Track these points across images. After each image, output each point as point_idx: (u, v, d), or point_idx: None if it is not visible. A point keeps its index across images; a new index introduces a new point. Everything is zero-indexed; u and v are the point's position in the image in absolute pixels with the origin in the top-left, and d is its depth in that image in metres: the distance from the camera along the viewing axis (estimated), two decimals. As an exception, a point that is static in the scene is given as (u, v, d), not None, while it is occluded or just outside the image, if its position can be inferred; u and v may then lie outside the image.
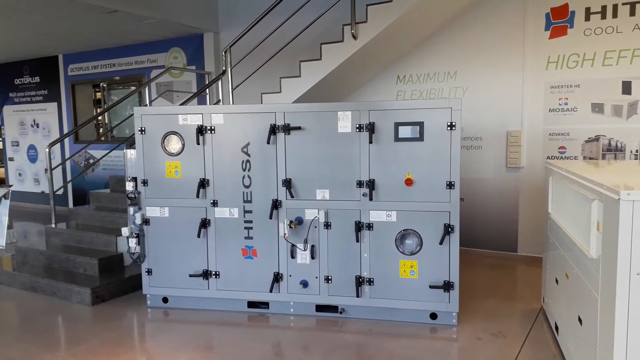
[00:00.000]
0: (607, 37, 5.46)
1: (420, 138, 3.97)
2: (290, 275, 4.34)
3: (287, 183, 4.22)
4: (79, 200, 10.23)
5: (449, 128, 3.92)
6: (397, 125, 4.00)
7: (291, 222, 4.20)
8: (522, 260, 5.98)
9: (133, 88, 9.30)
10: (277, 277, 4.34)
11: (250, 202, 4.35)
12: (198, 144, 4.36)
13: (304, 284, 4.29)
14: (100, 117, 10.14)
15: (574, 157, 5.75)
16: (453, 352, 3.65)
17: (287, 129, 4.19)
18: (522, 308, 4.48)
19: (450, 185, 3.95)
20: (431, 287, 4.05)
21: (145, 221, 4.56)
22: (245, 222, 4.38)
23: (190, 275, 4.50)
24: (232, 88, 6.58)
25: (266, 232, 4.34)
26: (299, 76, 6.13)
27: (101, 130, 10.08)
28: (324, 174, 4.18)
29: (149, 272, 4.61)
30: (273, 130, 4.21)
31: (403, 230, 4.08)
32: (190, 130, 4.38)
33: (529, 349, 3.65)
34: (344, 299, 4.26)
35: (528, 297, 4.74)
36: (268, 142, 4.23)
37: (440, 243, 3.99)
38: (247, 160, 4.32)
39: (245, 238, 4.40)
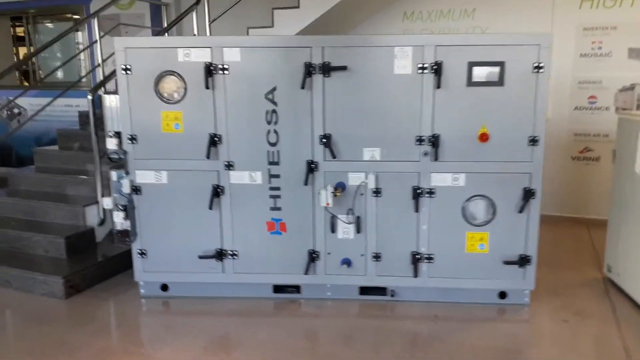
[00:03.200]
0: (654, -30, 4.86)
1: (500, 82, 3.19)
2: (329, 253, 3.51)
3: (327, 139, 3.32)
4: (3, 161, 8.61)
5: (535, 70, 3.16)
6: (472, 65, 3.18)
7: (335, 188, 3.34)
8: (555, 221, 5.38)
9: (65, 22, 7.77)
10: (313, 256, 3.50)
11: (277, 164, 3.42)
12: (207, 87, 3.31)
13: (347, 262, 3.49)
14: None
15: (605, 108, 5.23)
16: (548, 341, 3.04)
17: (327, 69, 3.24)
18: (582, 278, 3.96)
19: (533, 141, 3.24)
20: (506, 262, 3.39)
21: (136, 189, 3.51)
22: (271, 189, 3.46)
23: (201, 257, 3.55)
24: (209, 21, 5.43)
25: (298, 201, 3.46)
26: (297, 7, 5.09)
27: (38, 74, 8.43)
28: (374, 128, 3.31)
29: (143, 253, 3.61)
30: (308, 70, 3.24)
31: (473, 196, 3.34)
32: (194, 69, 3.32)
33: (630, 331, 3.12)
34: (395, 280, 3.52)
35: (582, 265, 4.22)
36: (302, 87, 3.27)
37: (520, 211, 3.30)
38: (274, 111, 3.35)
39: (272, 209, 3.48)
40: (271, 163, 3.42)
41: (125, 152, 3.46)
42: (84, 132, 5.60)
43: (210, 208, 3.45)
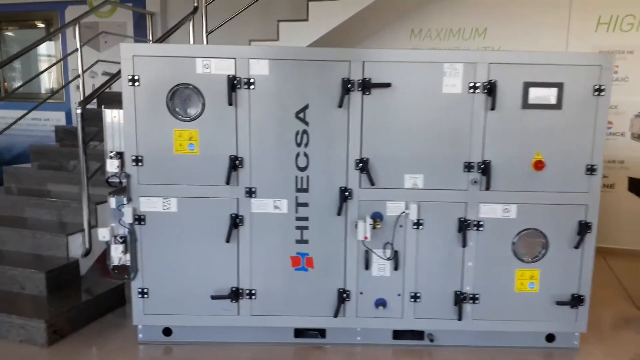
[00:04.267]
0: (672, -5, 4.77)
1: (558, 105, 2.90)
2: (361, 293, 3.10)
3: (363, 164, 2.94)
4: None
5: (596, 93, 2.88)
6: (527, 85, 2.88)
7: (375, 219, 2.95)
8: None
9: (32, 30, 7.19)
10: (343, 296, 3.08)
11: (306, 190, 3.00)
12: (230, 104, 2.88)
13: (383, 304, 3.09)
14: (-7, 67, 7.76)
15: (620, 134, 5.07)
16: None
17: (367, 86, 2.88)
18: (618, 315, 3.69)
19: (591, 170, 2.95)
20: (558, 303, 3.06)
21: (139, 218, 3.01)
22: (298, 219, 3.03)
23: (213, 297, 3.07)
24: (206, 32, 4.99)
25: (328, 233, 3.04)
26: (306, 19, 4.74)
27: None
28: (417, 152, 2.96)
29: (144, 293, 3.09)
30: (346, 87, 2.87)
31: (524, 229, 3.02)
32: (214, 82, 2.89)
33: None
34: (436, 323, 3.13)
35: (612, 299, 3.96)
36: (340, 105, 2.89)
37: (576, 247, 3.00)
38: (304, 131, 2.95)
39: (297, 242, 3.06)
40: (299, 190, 3.00)
41: (127, 176, 2.97)
42: (61, 148, 5.05)
43: (228, 241, 2.99)
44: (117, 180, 3.01)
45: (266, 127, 2.94)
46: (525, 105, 2.90)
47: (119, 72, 3.82)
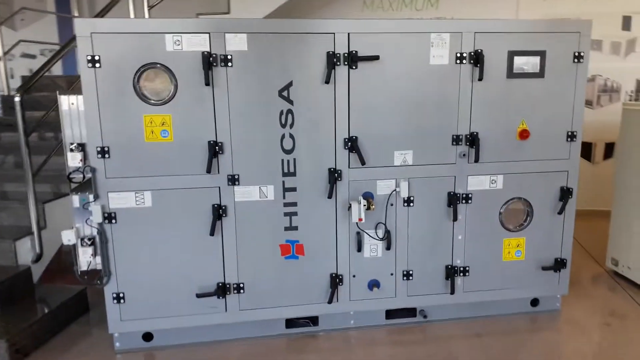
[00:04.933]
0: (612, -37, 4.96)
1: (540, 74, 2.90)
2: (353, 276, 3.00)
3: (353, 143, 2.80)
4: None
5: (575, 60, 2.91)
6: (512, 54, 2.85)
7: (369, 200, 2.83)
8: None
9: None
10: (337, 280, 2.96)
11: (293, 174, 2.82)
12: (207, 84, 2.62)
13: (376, 284, 3.01)
14: None
15: (566, 99, 5.27)
16: (611, 348, 2.82)
17: (354, 59, 2.72)
18: (589, 274, 3.87)
19: (571, 136, 3.01)
20: (544, 268, 3.14)
21: (108, 217, 2.70)
22: (286, 205, 2.85)
23: (199, 296, 2.84)
24: (148, 5, 4.58)
25: (318, 217, 2.90)
26: (259, -9, 4.47)
27: None
28: (406, 127, 2.86)
29: (120, 298, 2.80)
30: (332, 61, 2.70)
31: (510, 199, 3.04)
32: (187, 60, 2.61)
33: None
34: (428, 299, 3.11)
35: (578, 259, 4.14)
36: (327, 82, 2.72)
37: (560, 212, 3.06)
38: (289, 111, 2.75)
39: (286, 229, 2.88)
40: (286, 174, 2.81)
41: (93, 170, 2.64)
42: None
43: (212, 234, 2.76)
44: (81, 175, 2.66)
45: (247, 108, 2.71)
46: (510, 74, 2.87)
47: (60, 52, 3.41)
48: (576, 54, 2.90)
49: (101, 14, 4.19)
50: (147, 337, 2.94)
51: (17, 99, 3.13)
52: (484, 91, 2.87)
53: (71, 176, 2.67)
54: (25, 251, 3.37)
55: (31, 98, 4.09)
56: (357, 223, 2.85)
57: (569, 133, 3.00)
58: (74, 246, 2.74)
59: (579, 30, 2.88)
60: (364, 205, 2.79)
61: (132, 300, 2.82)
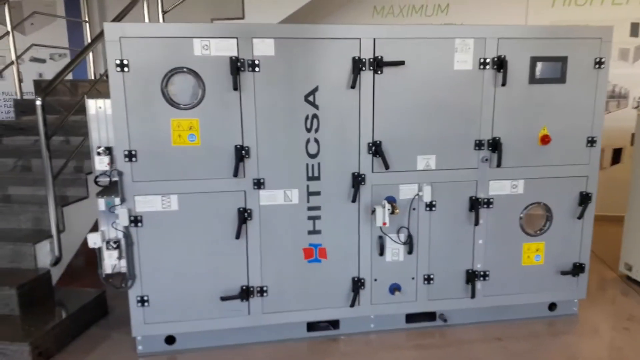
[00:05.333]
0: (620, -29, 5.03)
1: (562, 79, 2.94)
2: (375, 280, 3.02)
3: (377, 147, 2.83)
4: None
5: (597, 66, 2.95)
6: (535, 60, 2.89)
7: (393, 205, 2.85)
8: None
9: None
10: (359, 284, 2.98)
11: (317, 178, 2.84)
12: (235, 89, 2.64)
13: (397, 288, 3.03)
14: None
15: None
16: (629, 353, 2.85)
17: (380, 64, 2.75)
18: (602, 279, 3.90)
19: (591, 142, 3.04)
20: (562, 273, 3.16)
21: (135, 220, 2.71)
22: (310, 209, 2.87)
23: (223, 299, 2.85)
24: (162, 10, 4.61)
25: (341, 221, 2.92)
26: (273, -4, 4.50)
27: None
28: (430, 132, 2.89)
29: (144, 301, 2.81)
30: (358, 66, 2.72)
31: (531, 204, 3.06)
32: (215, 65, 2.63)
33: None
34: (448, 303, 3.13)
35: (594, 264, 4.16)
36: (353, 87, 2.74)
37: (579, 217, 3.09)
38: (314, 115, 2.77)
39: (310, 233, 2.90)
40: (310, 178, 2.83)
41: (120, 173, 2.65)
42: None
43: (238, 237, 2.78)
44: (107, 179, 2.67)
45: (273, 113, 2.73)
46: (533, 80, 2.90)
47: (80, 55, 3.43)
48: (597, 59, 2.93)
49: (118, 18, 4.22)
50: (170, 340, 2.94)
51: (38, 102, 3.12)
52: (506, 96, 2.90)
53: (98, 179, 2.68)
54: (44, 254, 3.37)
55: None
56: (380, 227, 2.87)
57: (589, 139, 3.03)
58: (99, 249, 2.74)
59: (600, 36, 2.92)
60: (389, 210, 2.81)
61: (155, 303, 2.83)
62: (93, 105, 2.64)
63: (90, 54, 5.46)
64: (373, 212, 2.86)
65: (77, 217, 3.66)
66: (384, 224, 2.81)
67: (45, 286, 3.29)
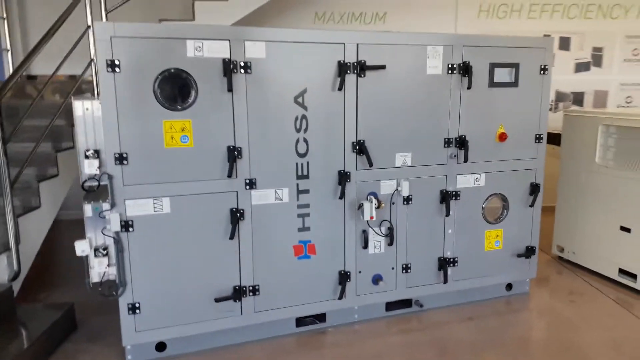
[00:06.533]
0: (532, -11, 5.67)
1: (515, 83, 3.31)
2: (359, 272, 3.18)
3: (361, 146, 3.00)
4: None
5: (542, 72, 3.36)
6: (493, 66, 3.23)
7: (378, 200, 3.04)
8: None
9: None
10: (345, 277, 3.12)
11: (306, 177, 2.95)
12: (230, 90, 2.68)
13: (380, 278, 3.21)
14: None
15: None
16: (584, 321, 3.26)
17: (363, 68, 2.93)
18: (540, 260, 4.37)
19: (539, 138, 3.45)
20: (519, 256, 3.54)
21: (125, 225, 2.64)
22: (300, 207, 2.97)
23: (217, 300, 2.85)
24: (105, 11, 4.44)
25: (329, 218, 3.05)
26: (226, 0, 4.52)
27: None
28: (406, 131, 3.12)
29: (135, 308, 2.74)
30: (344, 70, 2.88)
31: (491, 195, 3.40)
32: (207, 67, 2.65)
33: (619, 296, 3.55)
34: (423, 289, 3.37)
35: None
36: (340, 89, 2.89)
37: (531, 205, 3.49)
38: (303, 116, 2.88)
39: (300, 230, 3.00)
40: (300, 177, 2.93)
41: (110, 177, 2.57)
42: None
43: (232, 238, 2.80)
44: (96, 183, 2.58)
45: (265, 114, 2.80)
46: (492, 84, 3.24)
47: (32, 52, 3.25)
48: (542, 66, 3.34)
49: (61, 21, 4.01)
50: (161, 347, 2.88)
51: (-3, 105, 2.92)
52: (470, 98, 3.20)
53: (86, 185, 2.57)
54: (1, 269, 3.13)
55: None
56: (367, 221, 3.04)
57: (537, 135, 3.43)
58: (86, 257, 2.63)
59: (544, 46, 3.33)
60: (375, 205, 2.98)
61: (147, 310, 2.76)
62: (80, 107, 2.53)
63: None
64: (359, 207, 3.02)
65: (30, 229, 3.44)
66: (372, 217, 2.98)
67: (8, 302, 3.06)
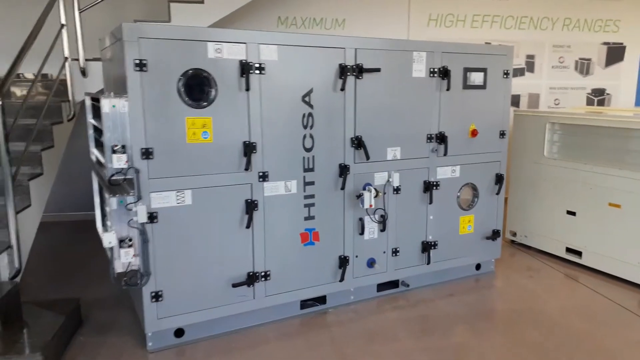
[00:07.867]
0: (476, 2, 6.27)
1: (484, 86, 3.77)
2: (356, 256, 3.49)
3: (359, 141, 3.32)
4: None
5: (504, 76, 3.85)
6: (467, 70, 3.67)
7: (376, 189, 3.36)
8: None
9: None
10: (345, 261, 3.42)
11: (312, 170, 3.22)
12: (248, 89, 2.90)
13: (374, 262, 3.54)
14: None
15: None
16: (545, 292, 3.77)
17: (361, 70, 3.25)
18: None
19: (502, 134, 3.94)
20: (487, 238, 4.01)
21: (150, 216, 2.78)
22: (306, 197, 3.24)
23: (235, 285, 3.05)
24: (79, 9, 4.46)
25: (331, 207, 3.34)
26: (202, 2, 4.67)
27: None
28: (397, 128, 3.48)
29: (158, 296, 2.88)
30: (345, 72, 3.19)
31: (464, 184, 3.85)
32: (226, 67, 2.86)
33: (569, 271, 4.12)
34: (410, 270, 3.74)
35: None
36: (342, 89, 3.20)
37: (497, 193, 3.97)
38: (310, 114, 3.16)
39: (306, 219, 3.26)
40: (307, 170, 3.20)
41: (137, 171, 2.70)
42: None
43: (248, 227, 3.02)
44: (123, 177, 2.70)
45: (276, 112, 3.04)
46: (465, 86, 3.68)
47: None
48: (505, 71, 3.83)
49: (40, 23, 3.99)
50: (179, 333, 3.02)
51: None
52: (448, 99, 3.62)
53: (112, 179, 2.68)
54: (2, 267, 3.13)
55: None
56: (367, 209, 3.36)
57: (501, 132, 3.92)
58: (111, 249, 2.74)
59: (505, 53, 3.82)
60: (374, 194, 3.31)
61: (169, 298, 2.90)
62: (107, 104, 2.64)
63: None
64: (358, 197, 3.33)
65: (22, 227, 3.43)
66: (370, 205, 3.30)
67: (14, 298, 3.06)
